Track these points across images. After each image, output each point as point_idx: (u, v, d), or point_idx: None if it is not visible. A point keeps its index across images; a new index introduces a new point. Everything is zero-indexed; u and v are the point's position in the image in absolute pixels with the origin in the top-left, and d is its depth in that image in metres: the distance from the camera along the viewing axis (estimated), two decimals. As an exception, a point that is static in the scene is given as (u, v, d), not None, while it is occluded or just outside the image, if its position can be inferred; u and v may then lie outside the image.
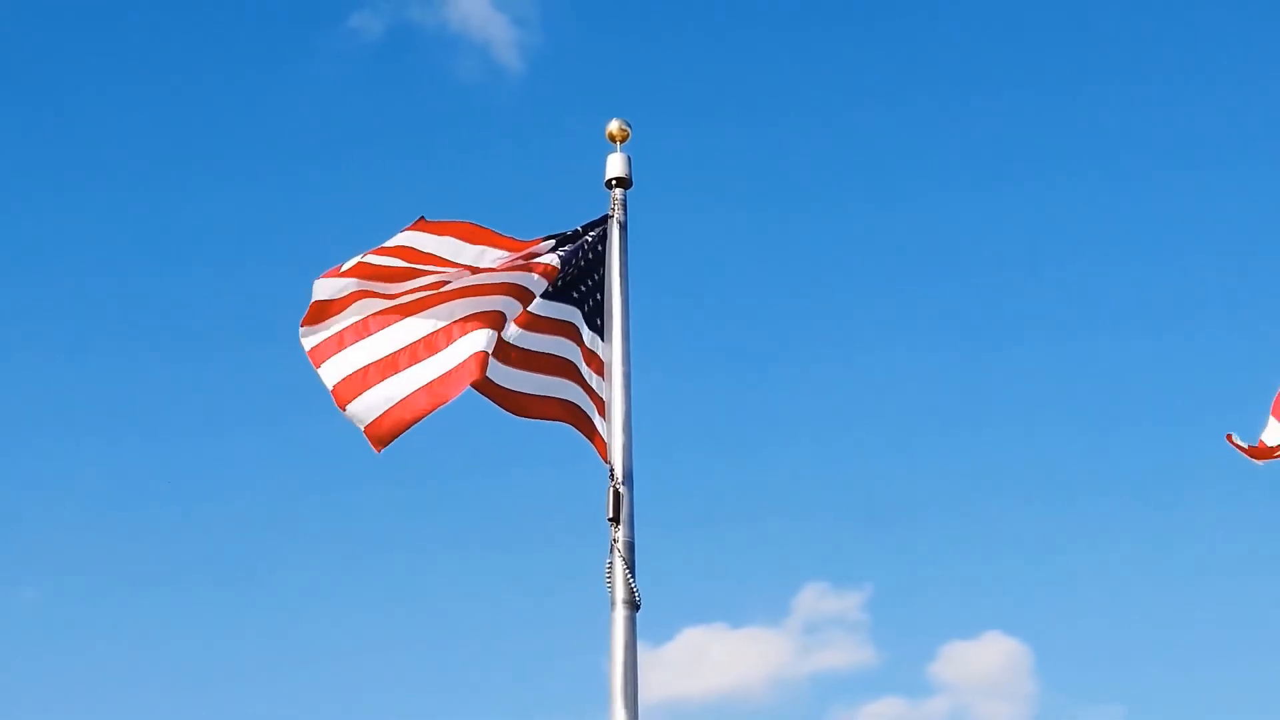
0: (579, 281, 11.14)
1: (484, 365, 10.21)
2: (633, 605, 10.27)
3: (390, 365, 10.39)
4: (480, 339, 10.23)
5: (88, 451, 33.13)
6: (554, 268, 10.82)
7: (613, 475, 10.63)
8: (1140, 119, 37.28)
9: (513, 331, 10.83)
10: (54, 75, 35.92)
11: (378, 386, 10.28)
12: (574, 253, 11.04)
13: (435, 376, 10.31)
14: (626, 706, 9.98)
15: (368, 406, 10.28)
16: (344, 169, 35.90)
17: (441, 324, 10.47)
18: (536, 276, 10.71)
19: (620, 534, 10.41)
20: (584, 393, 10.96)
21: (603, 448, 10.80)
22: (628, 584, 10.29)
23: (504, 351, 10.69)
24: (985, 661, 32.96)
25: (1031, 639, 32.63)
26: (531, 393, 10.91)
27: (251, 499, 32.86)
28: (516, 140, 36.55)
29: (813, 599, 33.43)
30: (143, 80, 35.99)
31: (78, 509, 32.84)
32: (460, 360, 10.33)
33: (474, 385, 10.42)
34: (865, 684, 33.32)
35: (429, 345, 10.41)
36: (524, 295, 10.68)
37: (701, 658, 32.18)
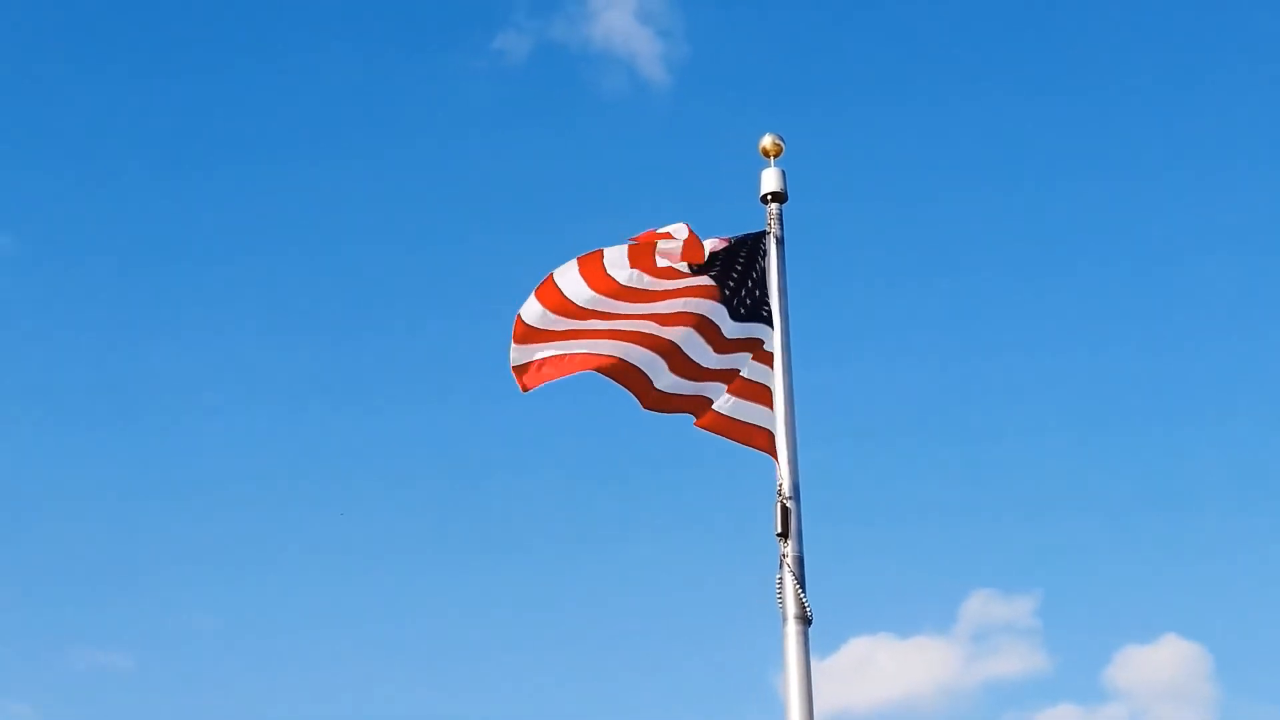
0: (756, 308, 11.22)
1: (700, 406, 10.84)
2: (804, 620, 10.27)
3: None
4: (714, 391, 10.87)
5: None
6: (713, 287, 10.98)
7: (780, 491, 10.66)
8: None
9: (711, 356, 11.07)
10: (222, 113, 36.79)
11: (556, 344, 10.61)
12: (741, 268, 11.13)
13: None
14: (802, 719, 9.99)
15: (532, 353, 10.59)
16: (495, 189, 36.32)
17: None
18: (710, 303, 10.99)
19: (789, 548, 10.43)
20: (767, 409, 11.02)
21: (767, 442, 10.86)
22: (799, 599, 10.29)
23: (705, 373, 11.02)
24: (1162, 666, 32.34)
25: (1210, 642, 31.94)
26: (734, 416, 11.08)
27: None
28: (666, 155, 36.70)
29: (981, 606, 33.07)
30: (300, 109, 36.76)
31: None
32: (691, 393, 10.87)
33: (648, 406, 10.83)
34: (1038, 691, 32.82)
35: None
36: (707, 325, 11.01)
37: (869, 668, 32.00)
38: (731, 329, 11.14)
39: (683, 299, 10.97)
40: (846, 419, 32.06)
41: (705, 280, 11.07)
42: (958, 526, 33.34)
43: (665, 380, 10.96)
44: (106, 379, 34.38)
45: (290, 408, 34.03)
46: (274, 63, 36.23)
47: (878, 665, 31.98)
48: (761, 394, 11.03)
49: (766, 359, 11.10)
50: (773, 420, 10.93)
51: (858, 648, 31.89)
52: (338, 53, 36.62)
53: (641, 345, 10.87)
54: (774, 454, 10.78)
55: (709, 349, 11.09)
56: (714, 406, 11.06)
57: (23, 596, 30.13)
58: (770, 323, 11.16)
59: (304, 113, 35.97)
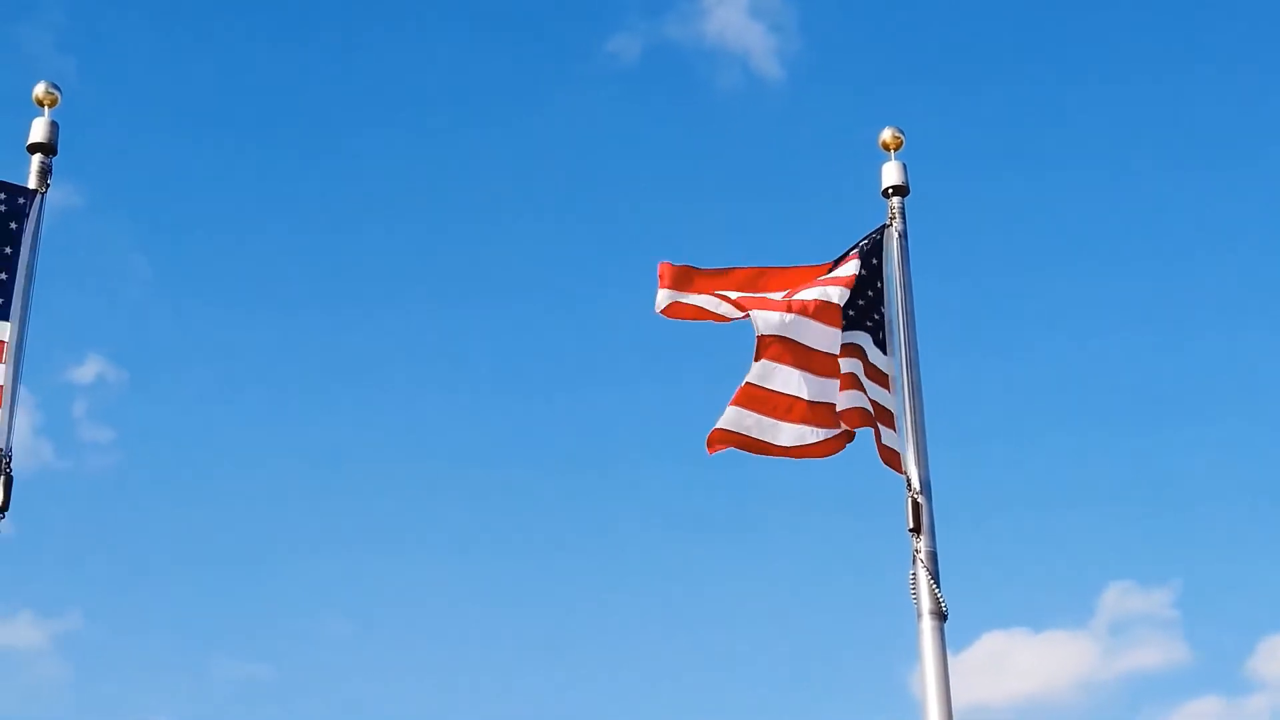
0: (872, 309, 11.17)
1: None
2: (940, 615, 10.21)
3: (771, 405, 10.75)
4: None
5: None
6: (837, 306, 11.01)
7: (910, 485, 10.61)
8: None
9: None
10: (339, 119, 37.24)
11: (754, 415, 10.67)
12: (859, 278, 11.11)
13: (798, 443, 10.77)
14: (941, 716, 9.91)
15: (734, 420, 10.65)
16: (612, 190, 36.40)
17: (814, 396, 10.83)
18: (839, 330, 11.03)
19: (922, 544, 10.37)
20: (872, 410, 10.96)
21: (894, 459, 10.81)
22: (933, 594, 10.23)
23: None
24: (1307, 655, 31.56)
25: (1358, 629, 31.12)
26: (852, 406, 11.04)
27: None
28: (784, 151, 36.52)
29: (1118, 598, 32.57)
30: (416, 118, 37.11)
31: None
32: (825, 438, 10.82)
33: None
34: (1179, 684, 32.25)
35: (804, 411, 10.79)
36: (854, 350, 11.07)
37: (1004, 663, 31.64)
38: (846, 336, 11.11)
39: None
40: (978, 412, 31.73)
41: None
42: (1093, 518, 32.84)
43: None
44: (251, 386, 34.95)
45: (412, 410, 34.38)
46: (389, 68, 36.62)
47: (1013, 660, 31.64)
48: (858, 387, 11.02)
49: (858, 353, 11.08)
50: (871, 416, 10.90)
51: (992, 642, 31.55)
52: (450, 63, 36.95)
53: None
54: (880, 455, 10.80)
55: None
56: (838, 409, 10.97)
57: (168, 610, 30.75)
58: (876, 338, 11.14)
59: (420, 117, 36.30)
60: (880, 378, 11.05)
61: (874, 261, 11.30)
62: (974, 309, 33.78)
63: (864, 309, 11.16)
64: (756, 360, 10.64)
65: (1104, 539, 32.37)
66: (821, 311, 10.80)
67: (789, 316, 10.74)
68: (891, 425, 10.90)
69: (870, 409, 10.91)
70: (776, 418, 10.65)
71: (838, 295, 10.87)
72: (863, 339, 11.11)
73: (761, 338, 10.66)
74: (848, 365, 10.93)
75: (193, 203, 34.93)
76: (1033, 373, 34.64)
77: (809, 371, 10.73)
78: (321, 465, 32.88)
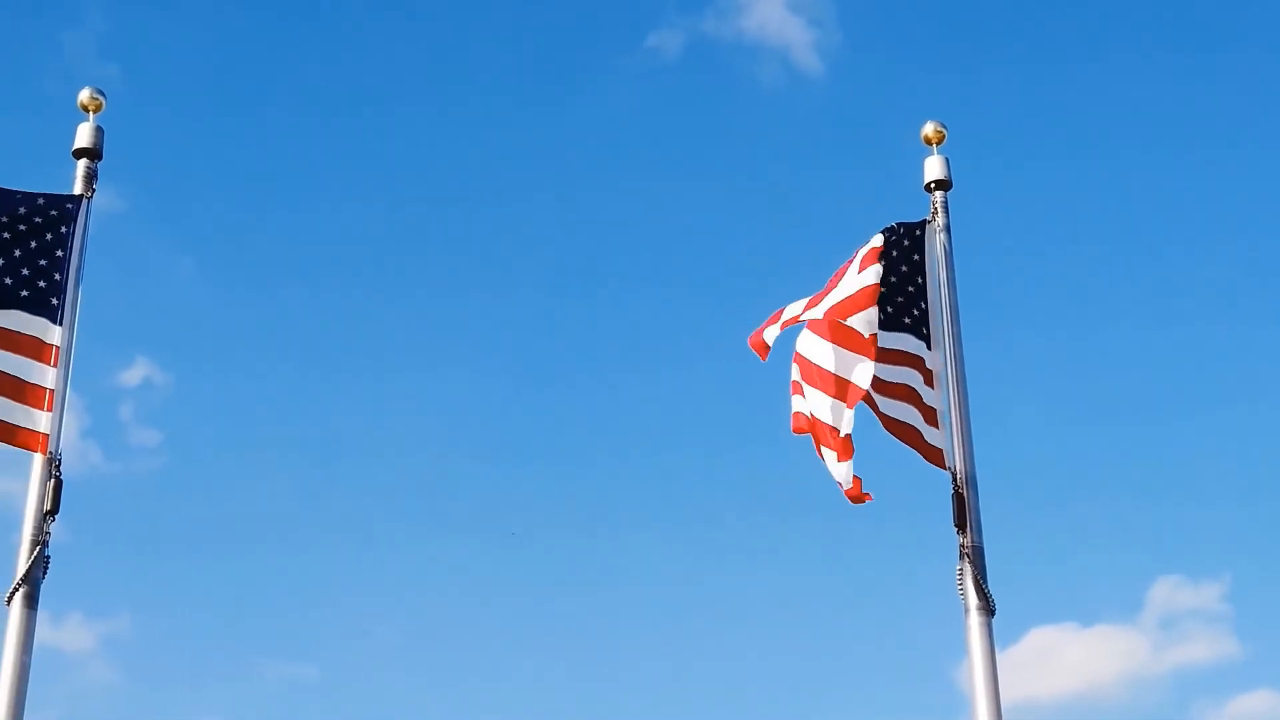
0: (911, 304, 11.12)
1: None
2: (987, 610, 10.17)
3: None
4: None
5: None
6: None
7: (955, 480, 10.57)
8: None
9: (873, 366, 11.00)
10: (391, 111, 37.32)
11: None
12: (894, 272, 11.04)
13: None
14: (989, 711, 9.88)
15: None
16: (656, 186, 36.42)
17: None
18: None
19: (968, 539, 10.33)
20: (919, 412, 10.93)
21: (937, 456, 10.78)
22: (980, 589, 10.20)
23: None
24: (1360, 647, 31.28)
25: None
26: (895, 416, 10.94)
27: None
28: (825, 145, 36.46)
29: (1167, 592, 32.34)
30: (458, 112, 37.19)
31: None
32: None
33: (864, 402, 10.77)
34: (1231, 678, 31.96)
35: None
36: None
37: (1052, 658, 31.47)
38: (885, 339, 11.05)
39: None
40: (1023, 405, 31.56)
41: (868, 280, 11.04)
42: (1141, 511, 32.63)
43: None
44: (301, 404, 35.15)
45: (459, 406, 34.50)
46: (431, 64, 36.75)
47: (1060, 655, 31.48)
48: (908, 394, 10.96)
49: (914, 361, 11.04)
50: (919, 421, 10.85)
51: (1040, 637, 31.38)
52: (493, 59, 37.07)
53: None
54: (923, 453, 10.76)
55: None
56: (881, 410, 10.93)
57: (216, 612, 30.93)
58: (919, 335, 11.09)
59: (462, 111, 36.41)
60: (925, 374, 11.01)
61: (915, 257, 11.24)
62: (1017, 302, 33.60)
63: (902, 306, 11.10)
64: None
65: (1153, 532, 32.16)
66: (840, 333, 10.76)
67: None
68: (935, 423, 10.86)
69: (919, 414, 10.87)
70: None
71: (864, 322, 10.67)
72: (905, 339, 11.04)
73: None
74: (896, 374, 10.89)
75: (236, 205, 35.13)
76: (1078, 364, 34.44)
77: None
78: (368, 466, 33.00)
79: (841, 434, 10.32)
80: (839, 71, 35.58)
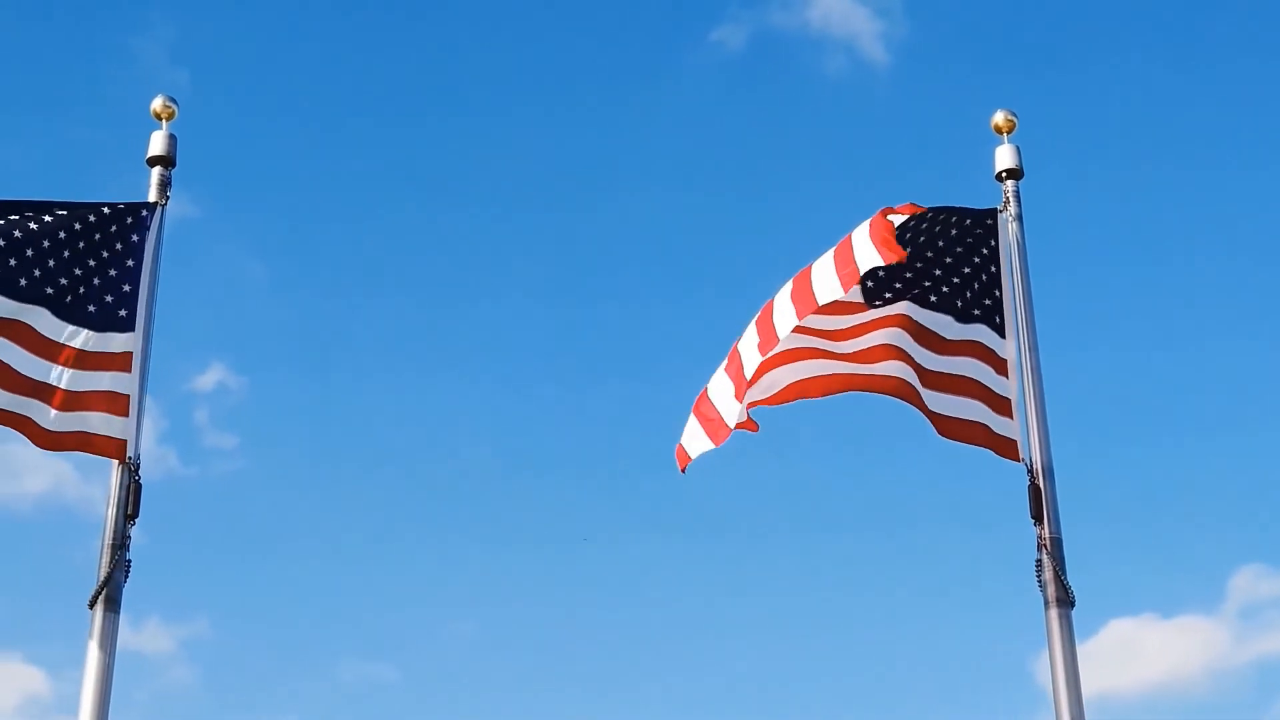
0: (984, 294, 11.04)
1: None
2: (1067, 603, 10.07)
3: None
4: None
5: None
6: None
7: (1031, 471, 10.48)
8: None
9: (927, 357, 10.89)
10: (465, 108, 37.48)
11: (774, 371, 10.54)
12: (959, 260, 10.97)
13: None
14: (1070, 704, 9.79)
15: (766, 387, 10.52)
16: (722, 179, 36.38)
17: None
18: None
19: (1046, 531, 10.24)
20: (984, 405, 10.83)
21: (1009, 448, 10.68)
22: (1059, 581, 10.11)
23: (926, 377, 10.81)
24: None
25: None
26: (951, 414, 10.84)
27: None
28: (894, 137, 36.29)
29: (1249, 582, 31.95)
30: (521, 109, 37.31)
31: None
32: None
33: (908, 400, 10.67)
34: (1313, 669, 31.57)
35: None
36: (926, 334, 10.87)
37: (1132, 650, 31.17)
38: (956, 331, 10.96)
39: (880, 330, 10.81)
40: (1100, 396, 31.25)
41: (899, 308, 10.90)
42: (1222, 500, 32.24)
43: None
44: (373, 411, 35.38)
45: (537, 404, 34.60)
46: (495, 62, 36.89)
47: (1140, 647, 31.17)
48: (969, 387, 10.85)
49: (981, 351, 10.93)
50: (986, 414, 10.74)
51: (1119, 629, 31.08)
52: (556, 58, 37.15)
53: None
54: (990, 445, 10.66)
55: (931, 354, 10.90)
56: (930, 409, 10.82)
57: (293, 613, 31.16)
58: (992, 324, 11.00)
59: (525, 108, 36.52)
60: (998, 363, 10.92)
61: (986, 248, 11.15)
62: (1091, 292, 33.28)
63: (975, 296, 11.02)
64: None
65: (1233, 522, 31.77)
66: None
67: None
68: (1008, 413, 10.77)
69: (985, 406, 10.78)
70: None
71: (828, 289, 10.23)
72: (978, 330, 10.97)
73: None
74: (956, 365, 10.83)
75: (308, 209, 35.39)
76: (1157, 355, 34.09)
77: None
78: (444, 463, 33.15)
79: (729, 423, 10.28)
80: (906, 62, 35.38)
